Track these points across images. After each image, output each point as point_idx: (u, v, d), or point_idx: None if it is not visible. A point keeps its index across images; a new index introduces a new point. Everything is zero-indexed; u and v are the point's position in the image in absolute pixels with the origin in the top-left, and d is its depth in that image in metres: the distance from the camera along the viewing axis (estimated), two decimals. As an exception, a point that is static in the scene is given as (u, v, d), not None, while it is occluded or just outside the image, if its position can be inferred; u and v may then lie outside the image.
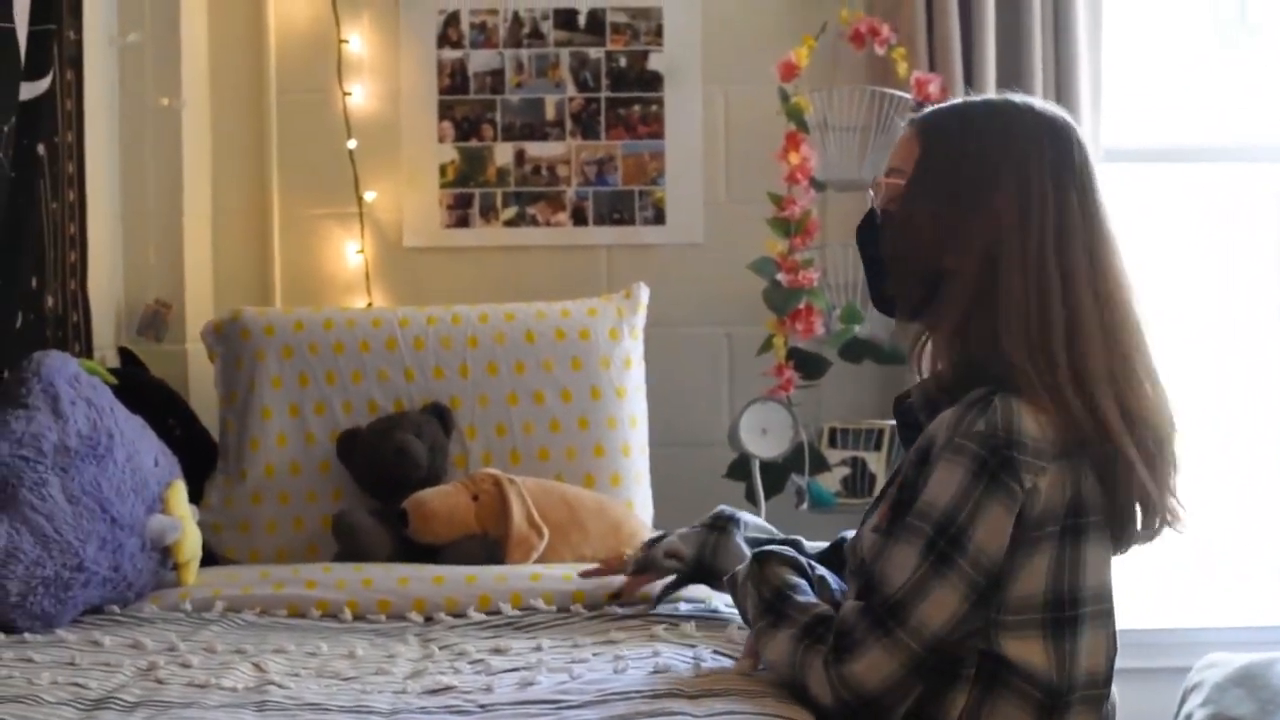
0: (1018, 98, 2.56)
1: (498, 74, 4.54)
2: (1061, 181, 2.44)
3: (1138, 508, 2.45)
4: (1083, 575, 2.41)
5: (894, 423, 3.04)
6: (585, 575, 3.23)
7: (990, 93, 4.29)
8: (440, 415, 3.79)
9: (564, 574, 3.30)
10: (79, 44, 3.91)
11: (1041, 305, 2.39)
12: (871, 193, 2.61)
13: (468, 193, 4.55)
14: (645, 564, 3.09)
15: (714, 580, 2.98)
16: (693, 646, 2.79)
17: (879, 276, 2.61)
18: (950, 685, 2.39)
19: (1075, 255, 2.42)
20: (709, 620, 3.02)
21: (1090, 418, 2.37)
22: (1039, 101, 2.56)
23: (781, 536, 2.96)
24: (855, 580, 2.52)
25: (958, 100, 2.66)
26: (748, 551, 2.80)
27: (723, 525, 2.99)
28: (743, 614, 2.65)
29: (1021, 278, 2.40)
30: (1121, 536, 2.48)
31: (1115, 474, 2.40)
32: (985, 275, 2.42)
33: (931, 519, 2.34)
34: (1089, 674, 2.42)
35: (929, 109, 2.63)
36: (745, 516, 3.03)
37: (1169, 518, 2.47)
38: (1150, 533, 2.49)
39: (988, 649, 2.37)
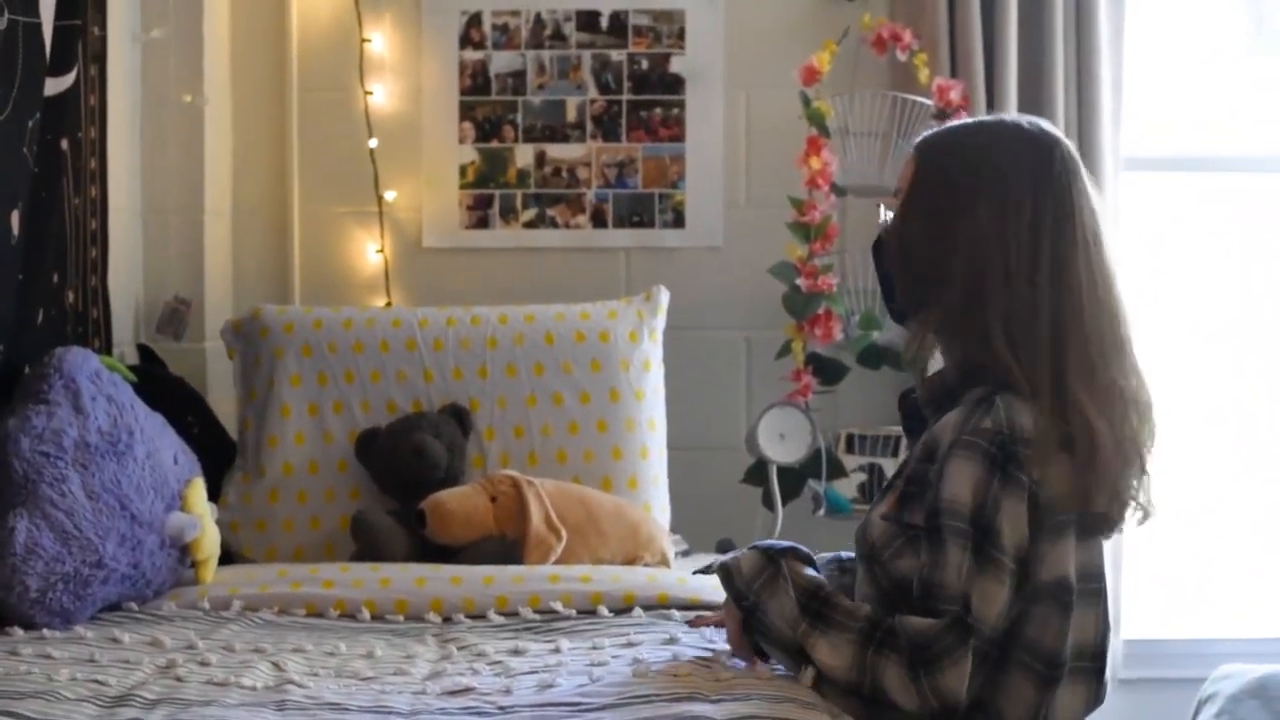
0: (1008, 117, 2.76)
1: (519, 75, 4.54)
2: (1039, 191, 2.59)
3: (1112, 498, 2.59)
4: (1086, 557, 2.58)
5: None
6: (693, 624, 3.07)
7: (1011, 100, 4.34)
8: (459, 416, 3.79)
9: (582, 575, 3.30)
10: (103, 40, 3.92)
11: (1024, 309, 2.55)
12: (881, 211, 2.76)
13: (488, 194, 4.55)
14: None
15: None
16: (713, 649, 2.79)
17: (889, 290, 2.79)
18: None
19: (1053, 260, 2.57)
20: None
21: (1072, 412, 2.52)
22: (1027, 119, 2.71)
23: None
24: (865, 565, 2.64)
25: (954, 122, 2.83)
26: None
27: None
28: (744, 603, 2.63)
29: (1004, 284, 2.56)
30: (1105, 524, 2.63)
31: (1095, 465, 2.53)
32: (972, 283, 2.58)
33: (963, 516, 2.47)
34: (1077, 648, 2.56)
35: (928, 131, 2.79)
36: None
37: (1145, 509, 2.65)
38: (1122, 521, 2.65)
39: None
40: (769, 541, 2.80)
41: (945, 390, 2.65)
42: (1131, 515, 2.64)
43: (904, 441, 4.20)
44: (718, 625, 2.79)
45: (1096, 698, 2.62)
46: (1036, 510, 2.48)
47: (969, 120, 2.81)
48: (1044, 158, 2.62)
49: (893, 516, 2.59)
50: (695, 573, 3.18)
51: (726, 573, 2.67)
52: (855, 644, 2.50)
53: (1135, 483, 2.62)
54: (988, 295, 2.56)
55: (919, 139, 2.75)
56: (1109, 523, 2.62)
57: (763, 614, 2.60)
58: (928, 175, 2.67)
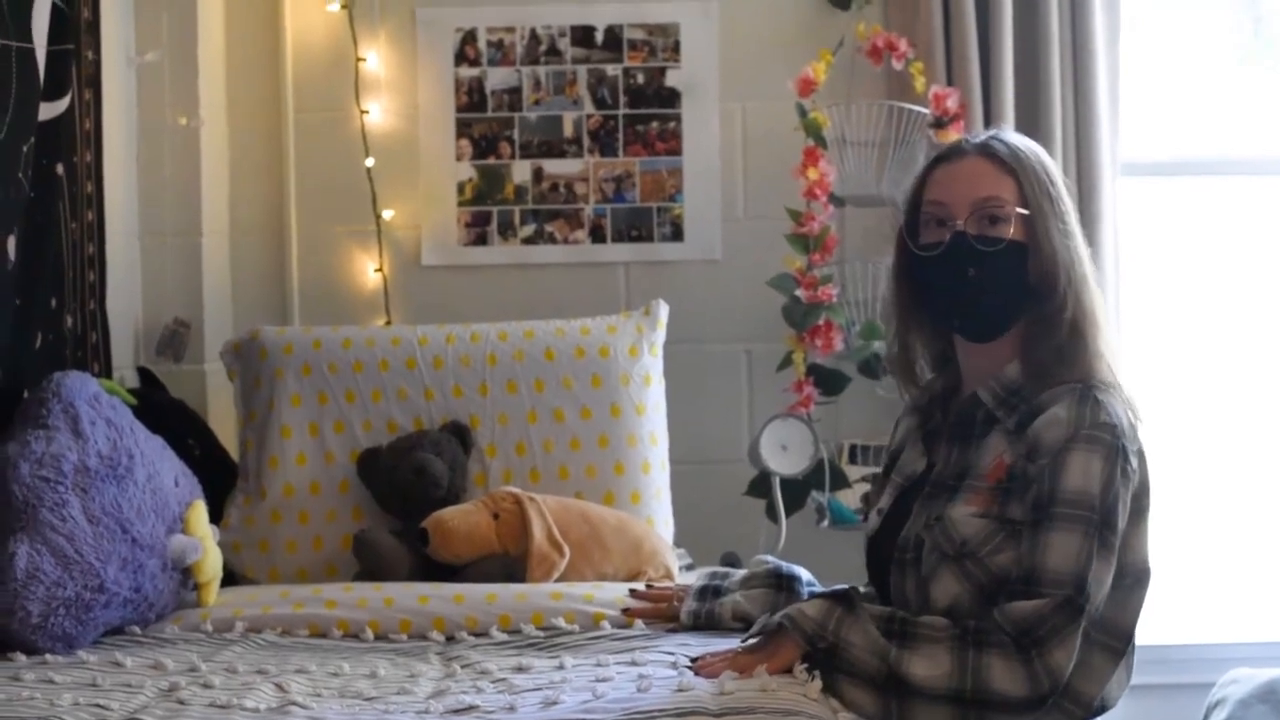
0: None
1: (515, 91, 4.54)
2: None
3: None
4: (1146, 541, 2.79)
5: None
6: (630, 614, 3.19)
7: (1008, 107, 4.34)
8: (460, 434, 3.78)
9: (585, 593, 3.29)
10: (97, 64, 3.92)
11: (1099, 309, 2.81)
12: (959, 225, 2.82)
13: (486, 210, 4.55)
14: (708, 622, 3.09)
15: None
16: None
17: (977, 304, 2.84)
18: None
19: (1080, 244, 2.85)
20: (731, 638, 3.00)
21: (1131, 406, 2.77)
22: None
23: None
24: (955, 564, 2.71)
25: (1012, 133, 2.96)
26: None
27: (788, 585, 3.10)
28: (821, 645, 2.65)
29: (1087, 286, 2.80)
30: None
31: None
32: (1077, 286, 2.80)
33: (1087, 505, 2.63)
34: (1125, 629, 2.76)
35: (999, 141, 2.89)
36: (802, 573, 3.14)
37: None
38: None
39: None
40: (783, 565, 3.03)
41: (1012, 391, 2.79)
42: None
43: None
44: (739, 671, 2.67)
45: (1130, 678, 2.81)
46: (1134, 499, 2.71)
47: (1015, 133, 2.96)
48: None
49: (992, 514, 2.70)
50: (745, 640, 2.88)
51: (791, 623, 2.69)
52: (951, 650, 2.61)
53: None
54: (1085, 298, 2.78)
55: (1001, 150, 2.84)
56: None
57: (846, 649, 2.63)
58: (1035, 186, 2.80)
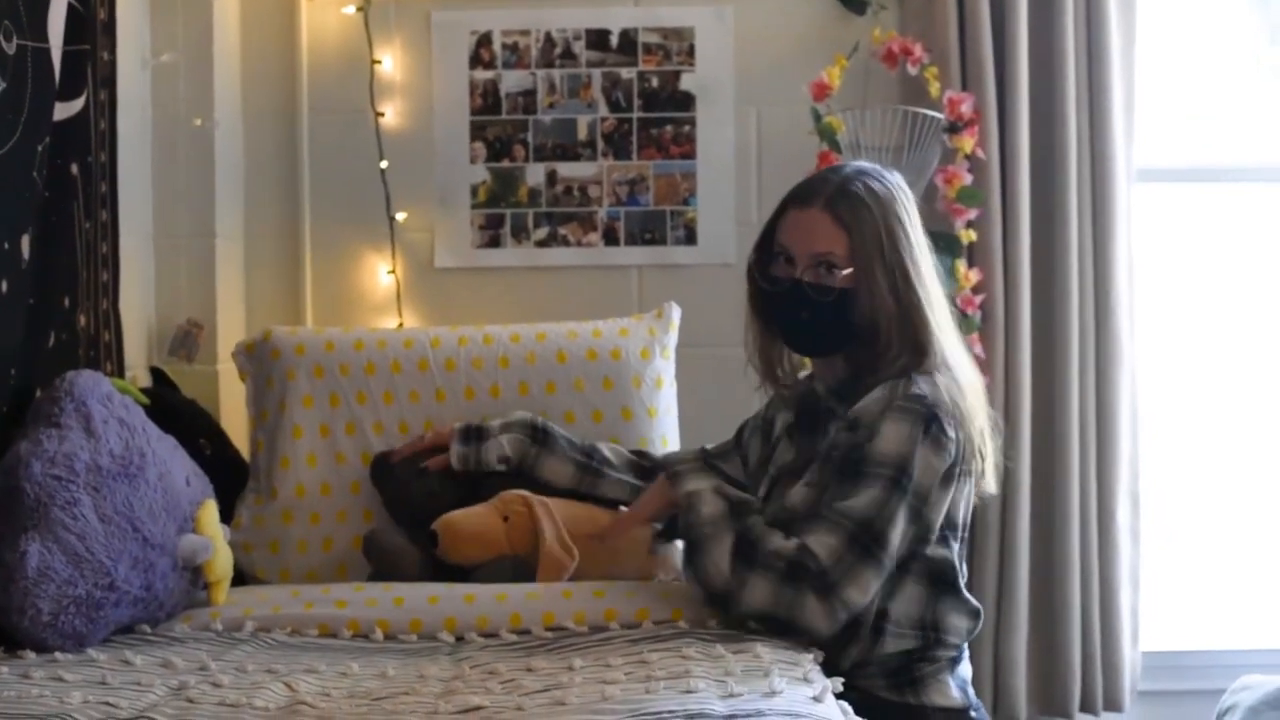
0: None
1: (529, 94, 4.55)
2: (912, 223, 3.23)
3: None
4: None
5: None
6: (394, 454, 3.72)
7: (1023, 113, 4.34)
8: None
9: (596, 590, 3.29)
10: (113, 64, 3.92)
11: (934, 346, 3.16)
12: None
13: (499, 213, 4.55)
14: (476, 465, 3.64)
15: (532, 485, 3.57)
16: (724, 665, 2.78)
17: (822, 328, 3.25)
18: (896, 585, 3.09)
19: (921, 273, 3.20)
20: (739, 639, 3.01)
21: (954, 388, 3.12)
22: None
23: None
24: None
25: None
26: (568, 467, 3.62)
27: (543, 439, 3.64)
28: (691, 525, 3.11)
29: (926, 331, 3.17)
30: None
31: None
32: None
33: (893, 464, 3.01)
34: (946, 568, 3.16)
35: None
36: (556, 431, 3.66)
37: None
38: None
39: (918, 554, 3.10)
40: (538, 419, 3.67)
41: (843, 383, 3.23)
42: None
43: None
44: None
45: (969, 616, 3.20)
46: (950, 463, 3.07)
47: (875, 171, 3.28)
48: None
49: (814, 482, 3.09)
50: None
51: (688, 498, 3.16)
52: (775, 583, 3.00)
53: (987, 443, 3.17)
54: (922, 337, 3.15)
55: (843, 206, 3.18)
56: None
57: (702, 544, 3.09)
58: (869, 242, 3.15)
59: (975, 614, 3.18)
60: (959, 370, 3.15)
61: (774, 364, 3.39)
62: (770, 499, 3.26)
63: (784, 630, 2.98)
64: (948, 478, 3.06)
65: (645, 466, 3.68)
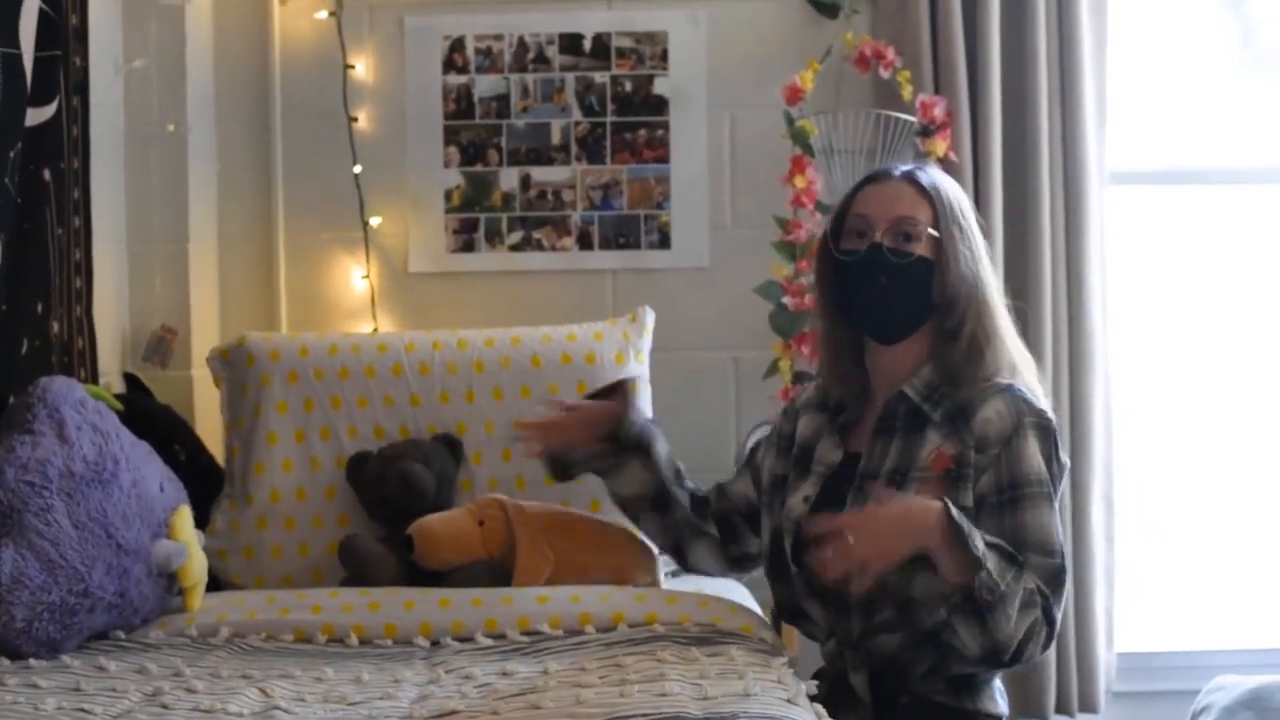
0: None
1: (503, 99, 4.55)
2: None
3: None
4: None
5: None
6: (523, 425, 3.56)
7: (995, 116, 4.35)
8: (451, 446, 3.77)
9: (571, 595, 3.29)
10: (85, 70, 3.91)
11: (1000, 333, 3.18)
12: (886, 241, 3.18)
13: (473, 217, 4.55)
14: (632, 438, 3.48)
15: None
16: (698, 669, 2.79)
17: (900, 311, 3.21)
18: None
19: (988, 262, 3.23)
20: (714, 643, 3.01)
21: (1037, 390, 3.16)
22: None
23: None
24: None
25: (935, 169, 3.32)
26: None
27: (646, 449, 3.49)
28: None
29: (989, 313, 3.17)
30: None
31: None
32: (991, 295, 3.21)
33: (1046, 482, 3.02)
34: None
35: (922, 173, 3.24)
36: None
37: None
38: None
39: None
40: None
41: (933, 389, 3.14)
42: None
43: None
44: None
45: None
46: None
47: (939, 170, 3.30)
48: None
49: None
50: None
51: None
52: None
53: None
54: (986, 319, 3.15)
55: (923, 179, 3.19)
56: None
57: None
58: (948, 214, 3.14)
59: None
60: (1024, 368, 3.17)
61: (840, 354, 3.28)
62: (826, 496, 3.18)
63: (1012, 662, 2.99)
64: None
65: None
